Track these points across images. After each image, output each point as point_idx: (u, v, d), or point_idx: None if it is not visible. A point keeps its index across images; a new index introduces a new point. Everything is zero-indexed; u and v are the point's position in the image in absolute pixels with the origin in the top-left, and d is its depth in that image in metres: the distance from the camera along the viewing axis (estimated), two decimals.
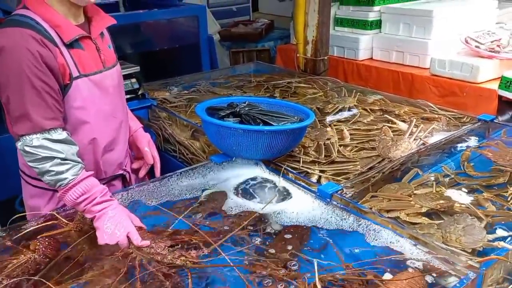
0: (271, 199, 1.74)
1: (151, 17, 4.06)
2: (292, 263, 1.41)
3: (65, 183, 1.50)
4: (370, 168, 1.97)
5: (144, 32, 4.21)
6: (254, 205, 1.72)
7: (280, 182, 1.87)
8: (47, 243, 1.42)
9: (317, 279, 1.25)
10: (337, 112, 2.64)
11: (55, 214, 1.55)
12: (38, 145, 1.49)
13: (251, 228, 1.59)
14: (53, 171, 1.49)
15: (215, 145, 2.05)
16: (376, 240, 1.47)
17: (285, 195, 1.79)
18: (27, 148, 1.49)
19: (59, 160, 1.50)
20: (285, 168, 1.93)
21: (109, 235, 1.48)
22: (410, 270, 1.33)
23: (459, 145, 2.18)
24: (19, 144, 1.52)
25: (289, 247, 1.48)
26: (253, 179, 1.91)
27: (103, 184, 1.69)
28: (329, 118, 2.55)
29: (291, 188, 1.82)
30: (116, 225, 1.49)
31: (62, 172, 1.50)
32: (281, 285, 1.30)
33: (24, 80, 1.47)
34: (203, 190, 1.84)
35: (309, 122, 1.95)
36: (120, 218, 1.51)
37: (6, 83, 1.48)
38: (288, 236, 1.55)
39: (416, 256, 1.38)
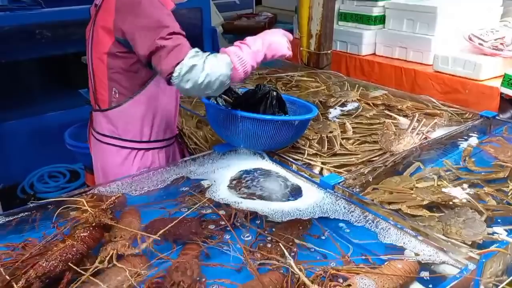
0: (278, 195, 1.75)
1: None
2: (291, 252, 1.42)
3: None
4: (370, 160, 1.99)
5: None
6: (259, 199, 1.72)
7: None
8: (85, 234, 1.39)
9: (299, 272, 1.26)
10: (339, 106, 2.65)
11: (83, 200, 1.53)
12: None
13: (253, 216, 1.61)
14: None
15: (216, 131, 2.07)
16: (384, 237, 1.47)
17: (291, 190, 1.78)
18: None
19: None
20: (288, 159, 1.94)
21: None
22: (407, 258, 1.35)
23: (460, 140, 2.19)
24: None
25: (290, 236, 1.49)
26: (257, 171, 1.92)
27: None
28: (332, 113, 2.56)
29: (296, 181, 1.83)
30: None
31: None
32: (278, 272, 1.31)
33: None
34: (204, 180, 1.85)
35: (313, 115, 1.96)
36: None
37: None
38: (289, 225, 1.56)
39: (417, 247, 1.39)
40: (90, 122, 2.11)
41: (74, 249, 1.31)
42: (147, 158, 2.02)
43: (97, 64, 1.90)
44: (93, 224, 1.41)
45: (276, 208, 1.61)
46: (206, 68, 1.65)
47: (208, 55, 1.69)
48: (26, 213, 1.56)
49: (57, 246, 1.32)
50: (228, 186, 1.78)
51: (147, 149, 2.02)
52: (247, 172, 1.89)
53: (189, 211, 1.58)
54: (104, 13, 1.82)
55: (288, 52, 1.86)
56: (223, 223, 1.55)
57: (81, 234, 1.36)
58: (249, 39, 1.80)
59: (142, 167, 2.00)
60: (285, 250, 1.36)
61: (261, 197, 1.70)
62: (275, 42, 1.82)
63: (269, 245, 1.45)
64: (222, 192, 1.73)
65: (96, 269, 1.28)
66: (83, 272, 1.26)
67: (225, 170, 1.90)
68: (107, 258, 1.32)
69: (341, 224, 1.57)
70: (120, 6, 1.75)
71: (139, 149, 2.00)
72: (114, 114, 1.94)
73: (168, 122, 2.05)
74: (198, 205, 1.64)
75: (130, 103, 1.92)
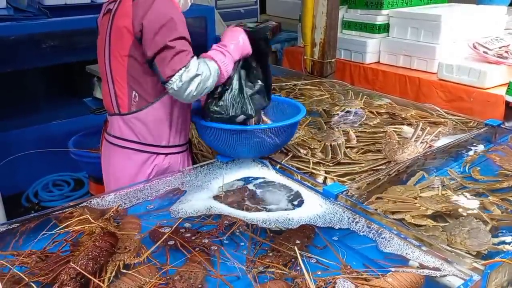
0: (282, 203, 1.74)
1: None
2: (295, 262, 1.41)
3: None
4: (373, 169, 1.98)
5: None
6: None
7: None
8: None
9: (307, 278, 1.25)
10: (343, 114, 2.65)
11: (88, 216, 1.53)
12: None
13: (254, 225, 1.60)
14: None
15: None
16: (387, 247, 1.45)
17: (294, 198, 1.77)
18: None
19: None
20: (291, 169, 1.93)
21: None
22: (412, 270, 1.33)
23: (465, 149, 2.18)
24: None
25: (294, 246, 1.48)
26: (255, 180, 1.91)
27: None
28: (335, 120, 2.56)
29: (300, 189, 1.82)
30: None
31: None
32: (283, 281, 1.30)
33: None
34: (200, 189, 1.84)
35: (295, 120, 1.97)
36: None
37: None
38: (293, 234, 1.55)
39: (420, 258, 1.38)
40: (104, 128, 2.11)
41: (98, 247, 1.32)
42: (164, 162, 2.02)
43: (116, 68, 1.90)
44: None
45: (276, 218, 1.61)
46: (203, 78, 1.75)
47: (199, 61, 1.77)
48: (28, 222, 1.55)
49: (78, 250, 1.33)
50: (225, 195, 1.78)
51: (166, 154, 2.02)
52: (243, 180, 1.90)
53: (179, 221, 1.58)
54: (121, 15, 1.83)
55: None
56: (222, 231, 1.54)
57: (98, 237, 1.38)
58: (226, 42, 1.91)
59: (159, 172, 2.01)
60: (300, 260, 1.34)
61: (259, 207, 1.70)
62: (244, 44, 1.95)
63: (270, 255, 1.44)
64: (215, 203, 1.73)
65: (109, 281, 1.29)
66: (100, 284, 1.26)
67: (224, 178, 1.89)
68: (116, 268, 1.32)
69: (344, 234, 1.55)
70: (137, 5, 1.78)
71: (158, 154, 2.00)
72: (134, 119, 1.93)
73: (185, 126, 2.07)
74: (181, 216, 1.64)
75: (151, 108, 1.91)
